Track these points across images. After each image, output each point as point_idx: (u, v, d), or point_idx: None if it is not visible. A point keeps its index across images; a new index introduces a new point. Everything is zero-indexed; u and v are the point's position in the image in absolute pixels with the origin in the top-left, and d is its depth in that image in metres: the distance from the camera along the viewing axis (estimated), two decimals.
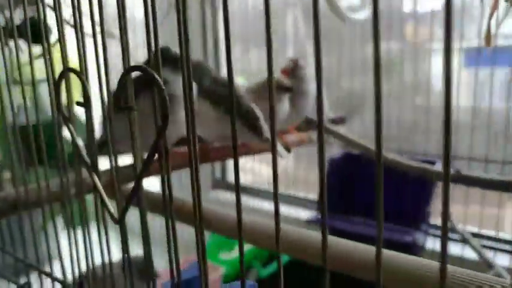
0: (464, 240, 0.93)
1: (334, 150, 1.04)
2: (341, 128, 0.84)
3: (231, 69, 0.20)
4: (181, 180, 0.51)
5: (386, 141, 0.83)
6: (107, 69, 0.25)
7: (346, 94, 1.10)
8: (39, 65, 0.34)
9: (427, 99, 1.02)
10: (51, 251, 0.39)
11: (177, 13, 0.20)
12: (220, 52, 1.42)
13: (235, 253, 1.17)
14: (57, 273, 0.38)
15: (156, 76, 0.18)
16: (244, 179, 1.39)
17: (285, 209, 1.24)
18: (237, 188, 0.21)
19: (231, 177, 1.48)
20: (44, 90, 0.36)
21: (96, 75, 0.26)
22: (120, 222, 0.22)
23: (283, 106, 0.65)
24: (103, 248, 0.31)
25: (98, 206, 0.26)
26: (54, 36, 0.36)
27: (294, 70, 0.71)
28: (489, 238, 0.97)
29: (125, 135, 0.48)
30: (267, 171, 1.37)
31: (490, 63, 0.91)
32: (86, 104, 0.24)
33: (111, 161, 0.26)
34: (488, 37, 0.45)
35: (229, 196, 1.37)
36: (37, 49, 0.38)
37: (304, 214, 1.16)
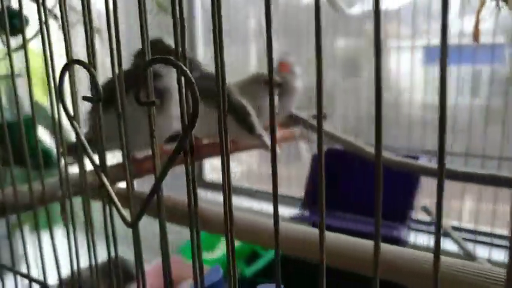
0: (444, 234, 0.98)
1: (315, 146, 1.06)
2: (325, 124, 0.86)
3: (223, 63, 0.20)
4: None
5: (351, 134, 0.87)
6: (120, 59, 0.25)
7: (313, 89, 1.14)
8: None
9: (389, 95, 1.07)
10: (27, 252, 0.38)
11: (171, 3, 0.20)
12: (197, 48, 1.42)
13: (217, 252, 1.17)
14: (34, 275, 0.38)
15: (184, 68, 0.18)
16: (218, 177, 1.42)
17: (265, 207, 1.26)
18: (229, 186, 0.22)
19: (207, 175, 1.49)
20: (20, 85, 0.35)
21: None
22: (134, 226, 0.22)
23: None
24: (91, 252, 0.31)
25: (108, 208, 0.26)
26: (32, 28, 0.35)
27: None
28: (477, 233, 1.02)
29: (115, 131, 0.48)
30: (240, 168, 1.40)
31: (452, 61, 0.98)
32: (97, 98, 0.24)
33: (124, 159, 0.26)
34: (476, 33, 0.48)
35: (206, 194, 1.38)
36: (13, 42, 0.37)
37: (287, 211, 1.18)
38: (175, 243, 1.20)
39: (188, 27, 1.41)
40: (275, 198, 0.21)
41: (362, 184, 0.96)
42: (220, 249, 1.17)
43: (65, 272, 0.34)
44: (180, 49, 0.21)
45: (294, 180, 1.25)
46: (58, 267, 0.34)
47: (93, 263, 0.30)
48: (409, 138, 1.02)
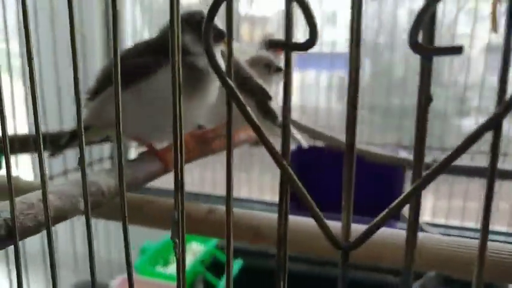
0: (420, 229, 1.08)
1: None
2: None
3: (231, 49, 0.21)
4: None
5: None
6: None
7: None
8: None
9: None
10: None
11: None
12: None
13: (172, 267, 1.16)
14: None
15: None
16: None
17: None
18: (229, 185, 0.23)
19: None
20: None
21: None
22: (349, 250, 0.22)
23: (271, 89, 0.64)
24: None
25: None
26: None
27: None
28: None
29: (132, 115, 0.47)
30: (211, 175, 1.41)
31: (314, 66, 1.25)
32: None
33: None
34: (494, 24, 0.54)
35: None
36: None
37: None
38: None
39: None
40: (281, 201, 0.22)
41: (337, 180, 1.02)
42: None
43: None
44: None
45: (266, 185, 1.29)
46: None
47: None
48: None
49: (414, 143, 0.20)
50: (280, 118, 0.61)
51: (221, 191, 1.38)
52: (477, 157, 1.05)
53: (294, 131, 0.58)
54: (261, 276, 0.83)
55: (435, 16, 0.18)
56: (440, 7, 1.12)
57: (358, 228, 0.22)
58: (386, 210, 0.21)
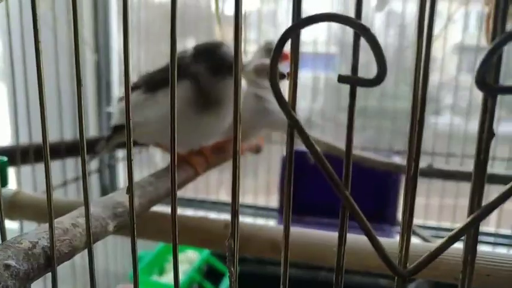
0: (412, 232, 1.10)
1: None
2: None
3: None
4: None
5: None
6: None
7: None
8: None
9: None
10: None
11: None
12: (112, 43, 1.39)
13: (169, 275, 1.15)
14: None
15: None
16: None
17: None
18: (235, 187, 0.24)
19: (120, 183, 1.48)
20: None
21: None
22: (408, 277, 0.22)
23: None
24: None
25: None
26: None
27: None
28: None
29: (161, 121, 0.48)
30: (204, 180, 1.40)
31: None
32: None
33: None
34: (488, 35, 0.56)
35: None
36: None
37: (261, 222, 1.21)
38: (126, 267, 1.15)
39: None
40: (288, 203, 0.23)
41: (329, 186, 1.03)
42: (171, 272, 1.15)
43: None
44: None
45: (260, 190, 1.30)
46: None
47: None
48: None
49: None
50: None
51: (214, 196, 1.38)
52: (466, 161, 1.09)
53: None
54: (257, 282, 0.84)
55: (501, 57, 0.19)
56: (413, 9, 1.18)
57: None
58: (446, 238, 0.22)
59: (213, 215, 1.30)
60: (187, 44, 1.30)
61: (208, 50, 0.47)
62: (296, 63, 0.22)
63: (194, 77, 0.48)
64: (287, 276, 0.26)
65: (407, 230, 0.23)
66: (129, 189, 0.27)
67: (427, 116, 1.26)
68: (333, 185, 0.22)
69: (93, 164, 1.26)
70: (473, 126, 1.18)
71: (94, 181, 1.43)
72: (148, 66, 1.37)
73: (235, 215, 0.25)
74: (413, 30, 1.16)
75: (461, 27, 1.15)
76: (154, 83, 0.49)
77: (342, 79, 0.21)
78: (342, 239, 0.23)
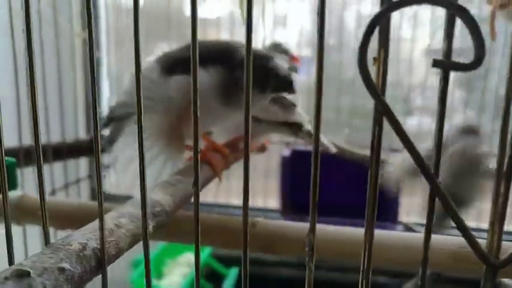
0: (409, 229, 1.11)
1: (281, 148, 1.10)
2: None
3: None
4: None
5: None
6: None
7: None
8: None
9: None
10: None
11: None
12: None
13: (166, 280, 1.13)
14: None
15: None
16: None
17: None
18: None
19: (107, 188, 1.45)
20: None
21: None
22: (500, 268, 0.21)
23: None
24: None
25: None
26: None
27: None
28: None
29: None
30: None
31: None
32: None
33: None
34: (492, 32, 0.57)
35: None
36: None
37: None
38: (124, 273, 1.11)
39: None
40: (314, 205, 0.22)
41: (333, 184, 1.04)
42: (171, 275, 1.13)
43: None
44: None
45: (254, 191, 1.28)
46: None
47: None
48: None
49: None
50: (305, 125, 0.60)
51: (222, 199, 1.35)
52: None
53: (322, 138, 0.59)
54: (258, 283, 0.82)
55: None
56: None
57: None
58: None
59: None
60: (158, 47, 1.31)
61: (257, 63, 0.46)
62: (386, 48, 0.21)
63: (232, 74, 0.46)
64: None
65: (500, 221, 0.22)
66: (195, 183, 0.25)
67: (399, 117, 1.30)
68: (424, 173, 0.21)
69: (83, 170, 1.22)
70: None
71: (84, 186, 1.39)
72: (121, 70, 1.37)
73: (314, 208, 0.24)
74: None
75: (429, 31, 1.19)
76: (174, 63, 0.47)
77: (436, 64, 0.20)
78: (428, 230, 0.22)
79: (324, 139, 0.59)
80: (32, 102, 0.27)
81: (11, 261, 0.29)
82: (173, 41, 1.34)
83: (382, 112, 0.21)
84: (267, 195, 1.27)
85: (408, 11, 1.17)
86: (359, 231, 0.48)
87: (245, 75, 0.23)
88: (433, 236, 0.23)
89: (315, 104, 0.23)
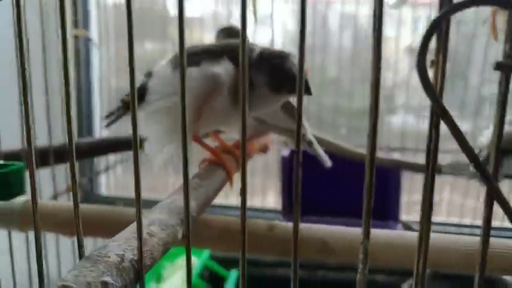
0: (408, 228, 1.12)
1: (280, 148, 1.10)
2: None
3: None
4: None
5: None
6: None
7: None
8: None
9: None
10: None
11: None
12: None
13: (165, 284, 1.11)
14: None
15: None
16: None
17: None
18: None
19: (99, 190, 1.45)
20: None
21: None
22: None
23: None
24: None
25: None
26: None
27: None
28: None
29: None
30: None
31: None
32: None
33: None
34: (494, 32, 0.58)
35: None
36: None
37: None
38: None
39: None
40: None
41: (331, 185, 1.04)
42: (171, 279, 1.12)
43: None
44: None
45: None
46: None
47: None
48: None
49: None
50: (307, 134, 0.60)
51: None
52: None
53: (318, 148, 0.59)
54: (258, 284, 0.82)
55: None
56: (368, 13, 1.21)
57: None
58: None
59: None
60: (142, 46, 1.33)
61: (273, 62, 0.45)
62: (445, 52, 0.20)
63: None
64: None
65: None
66: (243, 191, 0.24)
67: (382, 115, 1.31)
68: (482, 175, 0.21)
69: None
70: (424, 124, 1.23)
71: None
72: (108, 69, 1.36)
73: (368, 213, 0.23)
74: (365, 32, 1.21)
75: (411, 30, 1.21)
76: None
77: (498, 66, 0.20)
78: (485, 232, 0.22)
79: (318, 147, 0.59)
80: (25, 108, 0.26)
81: (40, 276, 0.27)
82: (157, 40, 1.35)
83: (440, 114, 0.21)
84: (266, 194, 1.26)
85: (391, 10, 1.19)
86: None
87: (240, 73, 0.23)
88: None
89: (297, 103, 0.24)
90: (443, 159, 0.98)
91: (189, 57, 0.47)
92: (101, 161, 1.28)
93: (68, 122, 0.25)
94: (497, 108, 0.21)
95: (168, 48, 1.33)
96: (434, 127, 0.21)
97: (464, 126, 1.20)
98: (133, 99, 0.25)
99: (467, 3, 0.20)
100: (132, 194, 0.25)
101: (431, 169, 0.22)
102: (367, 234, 0.24)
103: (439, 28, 0.20)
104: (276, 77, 0.45)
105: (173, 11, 1.31)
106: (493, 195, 0.21)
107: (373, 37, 0.20)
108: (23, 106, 0.27)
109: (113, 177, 1.48)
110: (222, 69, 0.44)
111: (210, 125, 0.51)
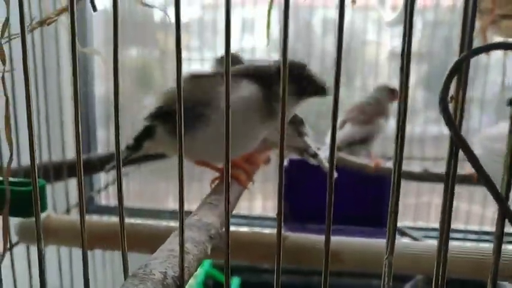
0: (403, 233, 1.15)
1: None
2: None
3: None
4: None
5: None
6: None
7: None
8: None
9: None
10: None
11: None
12: None
13: None
14: None
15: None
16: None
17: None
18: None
19: (97, 200, 1.43)
20: None
21: None
22: None
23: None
24: None
25: None
26: None
27: None
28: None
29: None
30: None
31: None
32: None
33: None
34: (484, 35, 0.62)
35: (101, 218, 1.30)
36: None
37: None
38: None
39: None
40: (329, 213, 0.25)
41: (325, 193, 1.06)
42: None
43: None
44: None
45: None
46: None
47: None
48: None
49: None
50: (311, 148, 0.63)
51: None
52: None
53: (324, 161, 0.63)
54: None
55: None
56: (352, 16, 1.23)
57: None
58: None
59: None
60: (129, 52, 1.35)
61: (295, 72, 0.48)
62: (464, 89, 0.23)
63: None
64: None
65: None
66: (279, 212, 0.27)
67: None
68: (492, 193, 0.23)
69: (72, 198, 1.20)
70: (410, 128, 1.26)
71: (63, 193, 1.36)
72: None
73: (393, 232, 0.26)
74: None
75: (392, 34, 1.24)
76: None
77: (511, 103, 0.23)
78: (498, 246, 0.25)
79: (324, 160, 0.63)
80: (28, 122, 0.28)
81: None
82: (141, 46, 1.38)
83: (459, 145, 0.23)
84: (265, 203, 1.29)
85: (373, 14, 1.23)
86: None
87: (225, 83, 0.25)
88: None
89: (281, 109, 0.26)
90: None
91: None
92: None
93: (76, 140, 0.27)
94: (509, 139, 0.23)
95: (155, 54, 1.36)
96: (454, 156, 0.24)
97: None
98: (117, 106, 0.26)
99: (485, 48, 0.22)
100: (130, 203, 0.27)
101: (449, 194, 0.24)
102: (391, 250, 0.26)
103: (459, 70, 0.22)
104: (298, 83, 0.49)
105: (157, 16, 1.34)
106: (506, 216, 0.24)
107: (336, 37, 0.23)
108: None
109: (110, 187, 1.48)
110: (247, 91, 0.47)
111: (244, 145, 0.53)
